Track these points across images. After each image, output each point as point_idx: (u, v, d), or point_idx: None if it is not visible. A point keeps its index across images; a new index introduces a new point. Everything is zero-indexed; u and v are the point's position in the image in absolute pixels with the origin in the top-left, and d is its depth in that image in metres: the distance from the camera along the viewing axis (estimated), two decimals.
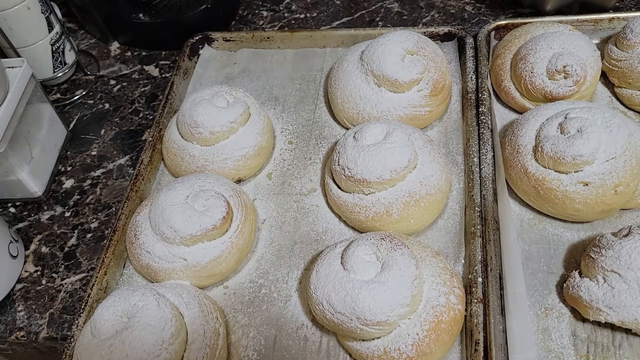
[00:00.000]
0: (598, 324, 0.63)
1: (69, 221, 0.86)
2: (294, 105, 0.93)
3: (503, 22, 0.93)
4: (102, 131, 0.98)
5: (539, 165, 0.70)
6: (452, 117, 0.86)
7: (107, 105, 1.03)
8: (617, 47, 0.83)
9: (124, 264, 0.77)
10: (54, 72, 1.03)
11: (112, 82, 1.07)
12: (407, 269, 0.59)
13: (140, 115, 1.00)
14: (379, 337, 0.61)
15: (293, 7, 1.17)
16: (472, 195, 0.73)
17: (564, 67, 0.77)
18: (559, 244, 0.71)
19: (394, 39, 0.81)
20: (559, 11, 0.98)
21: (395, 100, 0.81)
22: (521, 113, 0.82)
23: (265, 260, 0.75)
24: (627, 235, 0.61)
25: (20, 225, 0.86)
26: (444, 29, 0.94)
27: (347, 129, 0.86)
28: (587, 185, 0.67)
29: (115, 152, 0.95)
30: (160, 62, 1.10)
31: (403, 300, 0.58)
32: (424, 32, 0.93)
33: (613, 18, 0.90)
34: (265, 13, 1.17)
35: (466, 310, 0.64)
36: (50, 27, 0.99)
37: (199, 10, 1.07)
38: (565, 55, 0.77)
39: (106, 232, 0.83)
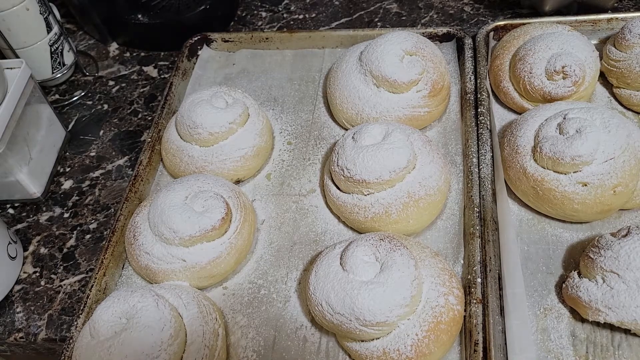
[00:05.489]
0: (597, 324, 0.63)
1: (68, 222, 0.86)
2: (293, 106, 0.93)
3: (502, 23, 0.93)
4: (101, 132, 0.98)
5: (538, 166, 0.70)
6: (451, 117, 0.86)
7: (105, 106, 1.03)
8: (615, 48, 0.83)
9: (123, 265, 0.77)
10: (53, 73, 1.03)
11: (111, 82, 1.07)
12: (407, 270, 0.59)
13: (139, 116, 1.00)
14: (378, 338, 0.61)
15: (292, 8, 1.17)
16: (471, 196, 0.73)
17: (563, 67, 0.77)
18: (558, 244, 0.71)
19: (392, 39, 0.81)
20: (557, 12, 0.98)
21: (394, 101, 0.81)
22: (520, 113, 0.82)
23: (265, 261, 0.75)
24: (626, 235, 0.61)
25: (19, 226, 0.86)
26: (443, 30, 0.94)
27: (346, 129, 0.86)
28: (586, 185, 0.67)
29: (114, 153, 0.95)
30: (159, 63, 1.10)
31: (402, 301, 0.58)
32: (423, 33, 0.93)
33: (611, 19, 0.91)
34: (264, 14, 1.17)
35: (465, 310, 0.64)
36: (49, 28, 0.99)
37: (198, 11, 1.07)
38: (563, 56, 0.77)
39: (105, 233, 0.83)
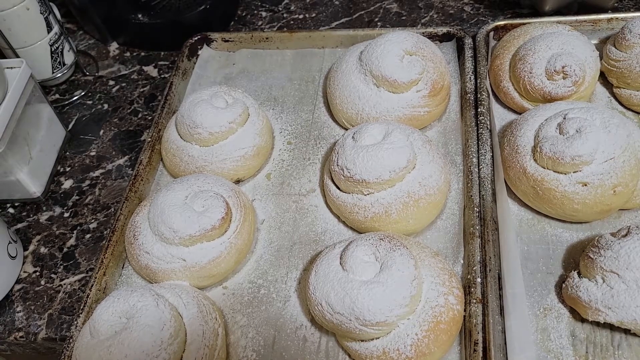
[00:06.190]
0: (597, 324, 0.63)
1: (68, 222, 0.86)
2: (293, 106, 0.93)
3: (502, 23, 0.93)
4: (101, 132, 0.98)
5: (538, 166, 0.70)
6: (451, 117, 0.86)
7: (106, 106, 1.03)
8: (615, 48, 0.83)
9: (123, 265, 0.77)
10: (53, 72, 1.03)
11: (111, 82, 1.07)
12: (406, 269, 0.59)
13: (139, 115, 1.00)
14: (378, 338, 0.61)
15: (292, 8, 1.17)
16: (471, 196, 0.73)
17: (563, 67, 0.77)
18: (557, 244, 0.71)
19: (392, 39, 0.81)
20: (557, 11, 0.98)
21: (394, 101, 0.81)
22: (520, 113, 0.82)
23: (264, 261, 0.75)
24: (626, 235, 0.61)
25: (19, 225, 0.86)
26: (443, 30, 0.94)
27: (346, 129, 0.86)
28: (585, 185, 0.67)
29: (114, 153, 0.95)
30: (159, 63, 1.10)
31: (402, 301, 0.58)
32: (423, 33, 0.93)
33: (612, 18, 0.90)
34: (264, 13, 1.17)
35: (465, 310, 0.64)
36: (49, 27, 0.99)
37: (198, 10, 1.07)
38: (564, 56, 0.77)
39: (105, 232, 0.83)
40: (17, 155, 0.83)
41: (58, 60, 1.03)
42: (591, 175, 0.66)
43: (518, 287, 0.65)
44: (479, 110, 0.81)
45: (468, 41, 0.91)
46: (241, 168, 0.81)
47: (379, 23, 1.10)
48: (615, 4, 1.00)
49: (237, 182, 0.83)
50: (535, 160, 0.71)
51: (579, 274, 0.64)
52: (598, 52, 0.82)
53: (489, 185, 0.73)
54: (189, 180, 0.73)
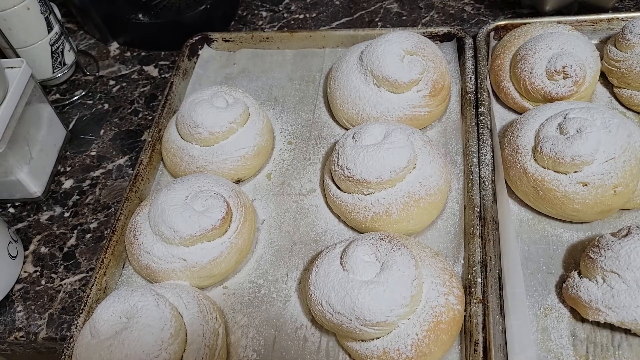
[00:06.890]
0: (597, 324, 0.63)
1: (68, 221, 0.86)
2: (294, 106, 0.93)
3: (502, 23, 0.93)
4: (102, 131, 0.98)
5: (538, 166, 0.70)
6: (452, 117, 0.86)
7: (106, 106, 1.03)
8: (616, 48, 0.83)
9: (123, 265, 0.77)
10: (53, 72, 1.03)
11: (112, 82, 1.07)
12: (407, 269, 0.59)
13: (140, 115, 1.00)
14: (379, 338, 0.61)
15: (292, 8, 1.17)
16: (472, 196, 0.73)
17: (563, 67, 0.77)
18: (558, 244, 0.71)
19: (393, 39, 0.81)
20: (558, 12, 0.98)
21: (394, 101, 0.81)
22: (520, 113, 0.82)
23: (265, 261, 0.75)
24: (627, 235, 0.61)
25: (20, 225, 0.86)
26: (443, 30, 0.94)
27: (347, 129, 0.86)
28: (586, 185, 0.67)
29: (114, 153, 0.95)
30: (160, 63, 1.10)
31: (402, 301, 0.58)
32: (423, 33, 0.93)
33: (612, 19, 0.90)
34: (264, 13, 1.17)
35: (465, 310, 0.64)
36: (50, 27, 0.99)
37: (199, 10, 1.07)
38: (564, 56, 0.77)
39: (105, 232, 0.83)
40: (18, 155, 0.83)
41: (58, 60, 1.03)
42: (591, 175, 0.66)
43: (518, 287, 0.65)
44: (480, 110, 0.81)
45: (468, 41, 0.91)
46: (241, 168, 0.81)
47: (379, 23, 1.10)
48: (616, 4, 1.00)
49: (238, 182, 0.83)
50: (535, 160, 0.71)
51: (579, 274, 0.64)
52: (598, 52, 0.82)
53: (490, 185, 0.73)
54: (190, 180, 0.73)
